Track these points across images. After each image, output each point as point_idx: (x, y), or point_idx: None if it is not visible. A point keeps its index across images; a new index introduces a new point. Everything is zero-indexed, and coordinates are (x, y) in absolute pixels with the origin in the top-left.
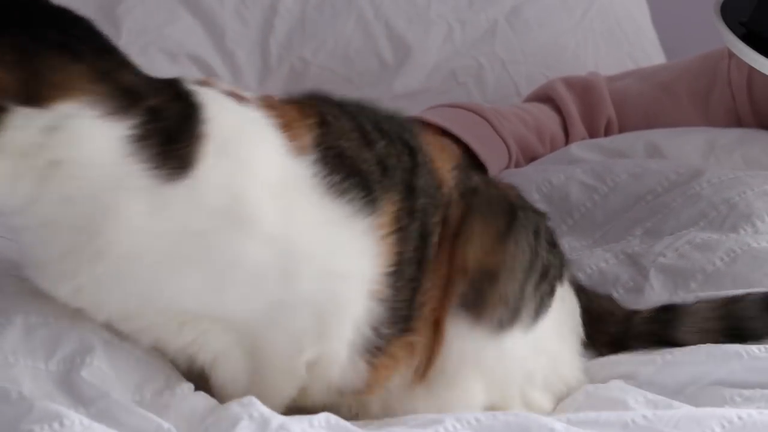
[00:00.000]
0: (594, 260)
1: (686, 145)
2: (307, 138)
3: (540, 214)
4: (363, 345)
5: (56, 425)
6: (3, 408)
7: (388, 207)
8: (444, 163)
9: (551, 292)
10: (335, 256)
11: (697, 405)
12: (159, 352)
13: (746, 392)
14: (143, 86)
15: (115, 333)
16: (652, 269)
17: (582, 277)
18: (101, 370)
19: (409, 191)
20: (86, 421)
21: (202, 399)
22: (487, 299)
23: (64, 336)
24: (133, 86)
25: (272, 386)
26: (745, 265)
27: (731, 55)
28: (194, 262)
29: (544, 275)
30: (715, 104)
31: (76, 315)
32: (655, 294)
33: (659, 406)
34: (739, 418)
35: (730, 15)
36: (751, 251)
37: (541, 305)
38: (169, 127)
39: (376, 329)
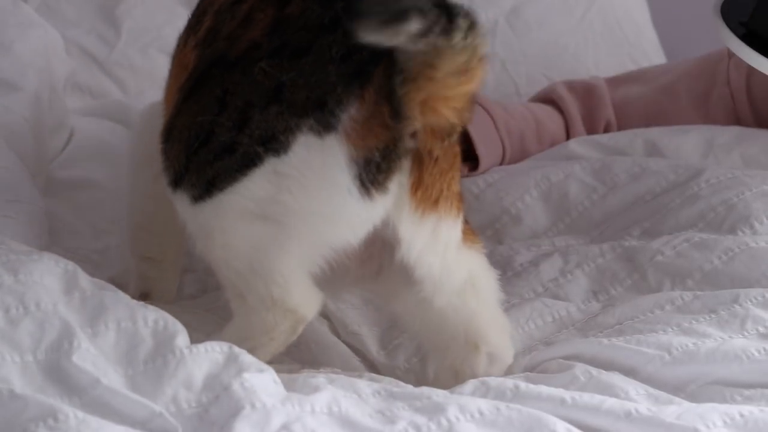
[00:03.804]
0: (591, 256)
1: (685, 144)
2: None
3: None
4: None
5: (51, 421)
6: None
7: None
8: None
9: (234, 170)
10: None
11: (697, 402)
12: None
13: (746, 392)
14: None
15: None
16: (650, 266)
17: (579, 273)
18: (90, 351)
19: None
20: (80, 414)
21: (197, 365)
22: (167, 157)
23: (47, 322)
24: None
25: None
26: (743, 264)
27: (731, 55)
28: None
29: (224, 149)
30: (714, 105)
31: (58, 299)
32: (652, 291)
33: (660, 400)
34: (741, 415)
35: (730, 15)
36: (749, 250)
37: (214, 181)
38: None
39: None
